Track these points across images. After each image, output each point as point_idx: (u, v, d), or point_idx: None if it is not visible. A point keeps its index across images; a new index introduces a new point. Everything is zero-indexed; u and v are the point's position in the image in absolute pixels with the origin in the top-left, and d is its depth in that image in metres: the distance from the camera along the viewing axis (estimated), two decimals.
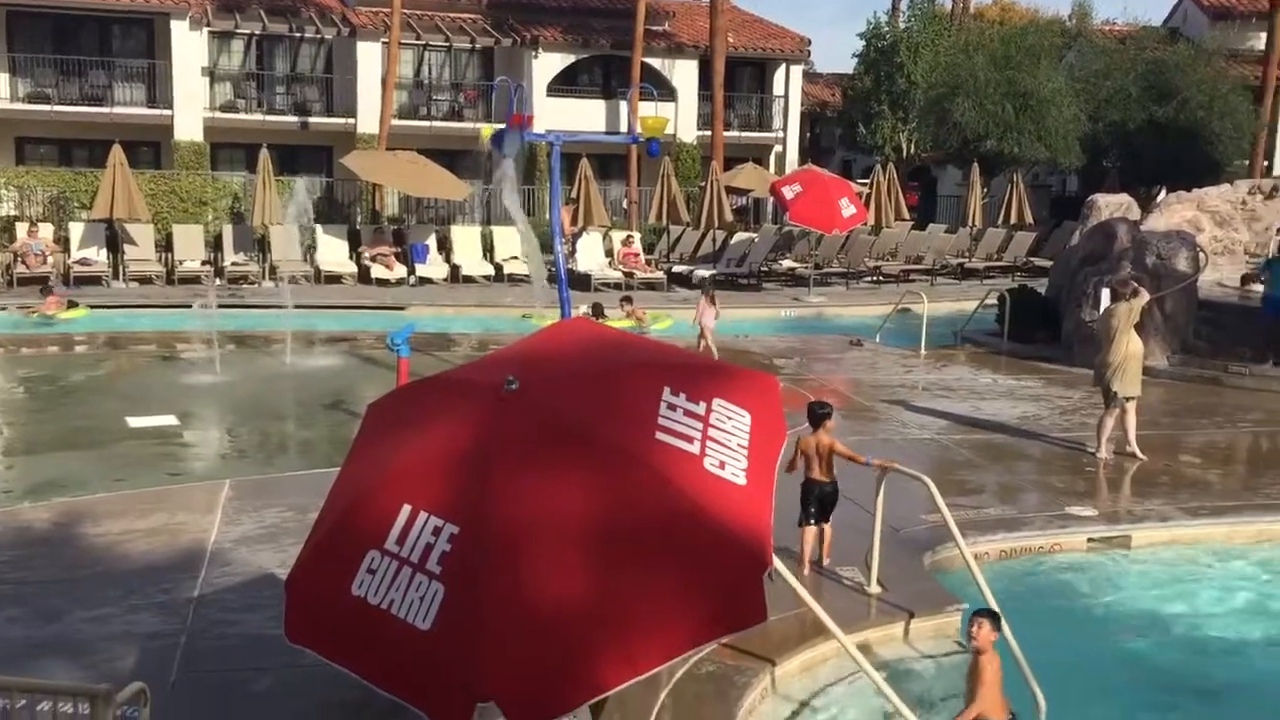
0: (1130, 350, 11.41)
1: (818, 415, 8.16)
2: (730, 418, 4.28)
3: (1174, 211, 19.57)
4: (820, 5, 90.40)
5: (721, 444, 4.16)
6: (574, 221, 24.11)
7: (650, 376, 4.34)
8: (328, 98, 31.27)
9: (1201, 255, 16.75)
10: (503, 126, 12.83)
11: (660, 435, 4.09)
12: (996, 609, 6.71)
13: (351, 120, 30.19)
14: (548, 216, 28.76)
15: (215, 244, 24.06)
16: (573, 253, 24.04)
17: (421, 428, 4.35)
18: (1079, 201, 29.76)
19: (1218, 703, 7.37)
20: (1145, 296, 11.92)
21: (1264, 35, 32.41)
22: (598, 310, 19.11)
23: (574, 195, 24.27)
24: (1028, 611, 7.86)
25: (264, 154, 23.36)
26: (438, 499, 4.04)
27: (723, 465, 4.10)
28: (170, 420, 12.45)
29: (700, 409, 4.24)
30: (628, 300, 19.82)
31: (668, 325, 19.69)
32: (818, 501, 8.00)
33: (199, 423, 13.06)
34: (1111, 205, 19.05)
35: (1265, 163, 31.75)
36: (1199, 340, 16.39)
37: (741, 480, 4.09)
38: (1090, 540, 9.28)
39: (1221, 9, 35.84)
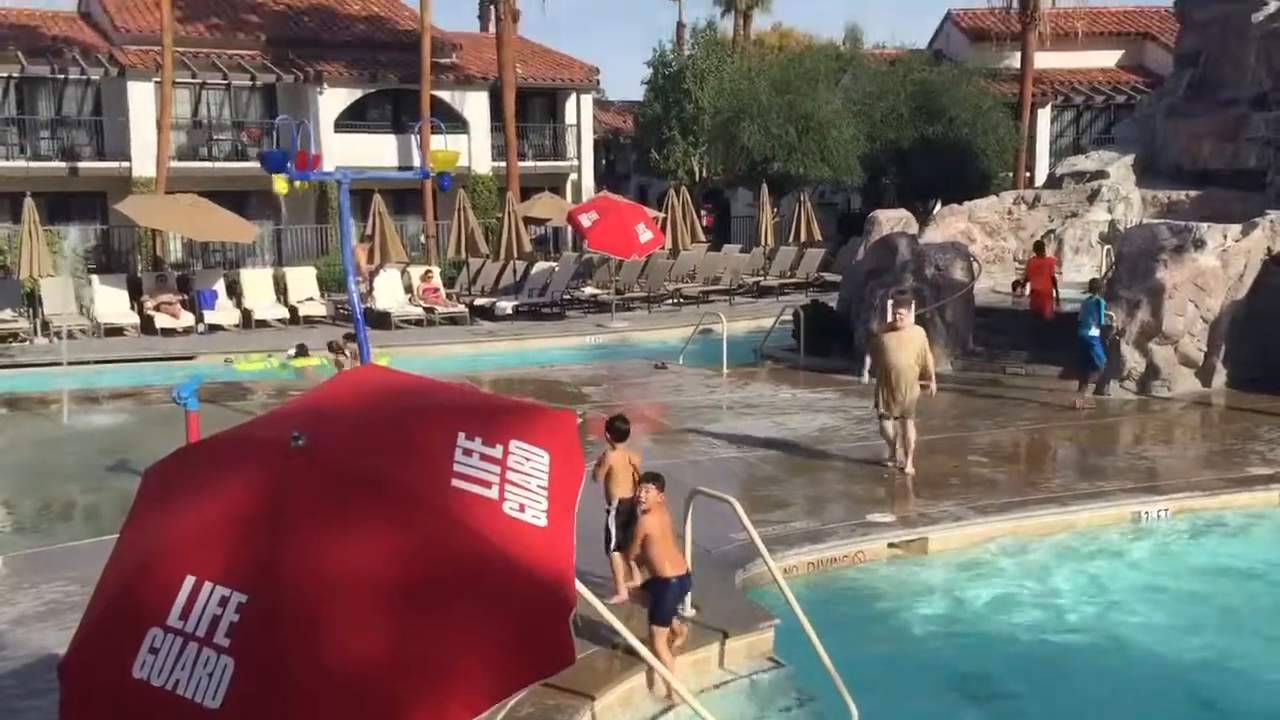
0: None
1: (621, 431, 8.10)
2: (529, 459, 4.21)
3: (948, 224, 20.64)
4: (608, 34, 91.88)
5: (521, 486, 4.09)
6: (370, 259, 23.57)
7: (443, 422, 4.23)
8: (98, 141, 29.73)
9: (975, 264, 17.73)
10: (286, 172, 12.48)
11: (456, 482, 3.99)
12: (804, 620, 6.89)
13: (126, 164, 28.77)
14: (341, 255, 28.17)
15: None
16: (370, 291, 23.50)
17: (203, 492, 4.11)
18: (863, 217, 31.10)
19: (1018, 694, 7.74)
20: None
21: (1019, 55, 34.70)
22: (301, 351, 18.95)
23: (369, 232, 23.75)
24: (837, 621, 8.09)
25: (28, 202, 21.90)
26: (223, 567, 3.82)
27: (523, 508, 4.03)
28: None
29: (497, 452, 4.16)
30: (350, 339, 18.99)
31: (386, 363, 19.04)
32: (630, 519, 7.64)
33: None
34: (891, 220, 19.95)
35: (1027, 174, 33.91)
36: (978, 345, 17.30)
37: (542, 522, 4.03)
38: (891, 545, 9.63)
39: (979, 31, 38.19)
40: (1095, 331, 14.46)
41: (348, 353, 18.27)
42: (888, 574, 9.41)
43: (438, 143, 27.90)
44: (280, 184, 12.83)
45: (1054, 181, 22.36)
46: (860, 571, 9.42)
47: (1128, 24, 39.35)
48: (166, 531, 4.09)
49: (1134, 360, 15.20)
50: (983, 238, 20.80)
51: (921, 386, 11.55)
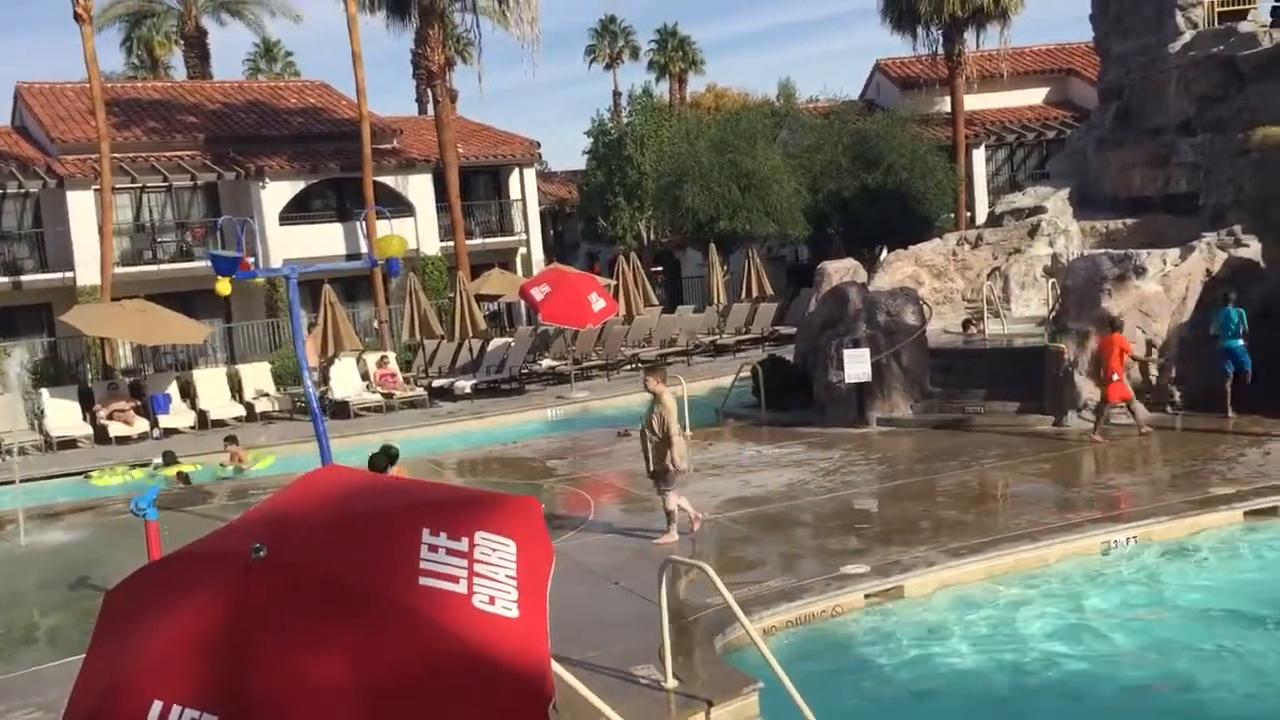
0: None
1: (382, 464, 8.42)
2: (495, 549, 4.19)
3: (895, 269, 20.92)
4: (545, 107, 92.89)
5: (489, 578, 4.06)
6: (322, 351, 23.43)
7: (406, 520, 4.20)
8: (40, 253, 29.49)
9: (925, 307, 17.94)
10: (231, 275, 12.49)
11: (424, 580, 3.96)
12: (786, 680, 6.84)
13: (69, 274, 28.55)
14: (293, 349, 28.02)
15: None
16: (323, 382, 23.35)
17: (166, 611, 4.04)
18: (811, 268, 31.46)
19: None
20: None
21: (949, 99, 35.49)
22: (169, 458, 18.86)
23: (315, 322, 23.61)
24: (820, 677, 8.05)
25: None
26: (190, 688, 3.75)
27: (493, 600, 4.00)
28: None
29: (463, 545, 4.13)
30: (232, 440, 18.91)
31: (269, 463, 18.79)
32: None
33: None
34: (840, 270, 20.17)
35: (968, 214, 34.53)
36: (935, 386, 17.45)
37: (514, 612, 4.00)
38: (867, 596, 9.61)
39: (908, 79, 39.03)
40: (1240, 342, 14.67)
41: (229, 454, 18.21)
42: (866, 624, 9.37)
43: (384, 228, 27.92)
44: (223, 285, 12.87)
45: (995, 220, 22.76)
46: (839, 624, 9.38)
47: (1050, 62, 40.39)
48: (131, 654, 4.01)
49: (1089, 390, 15.37)
50: (930, 280, 21.09)
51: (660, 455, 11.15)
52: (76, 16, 25.26)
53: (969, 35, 34.51)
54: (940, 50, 34.65)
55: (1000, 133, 37.40)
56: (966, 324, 18.91)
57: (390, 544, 4.08)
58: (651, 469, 11.47)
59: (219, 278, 12.54)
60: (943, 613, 9.49)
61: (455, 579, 4.00)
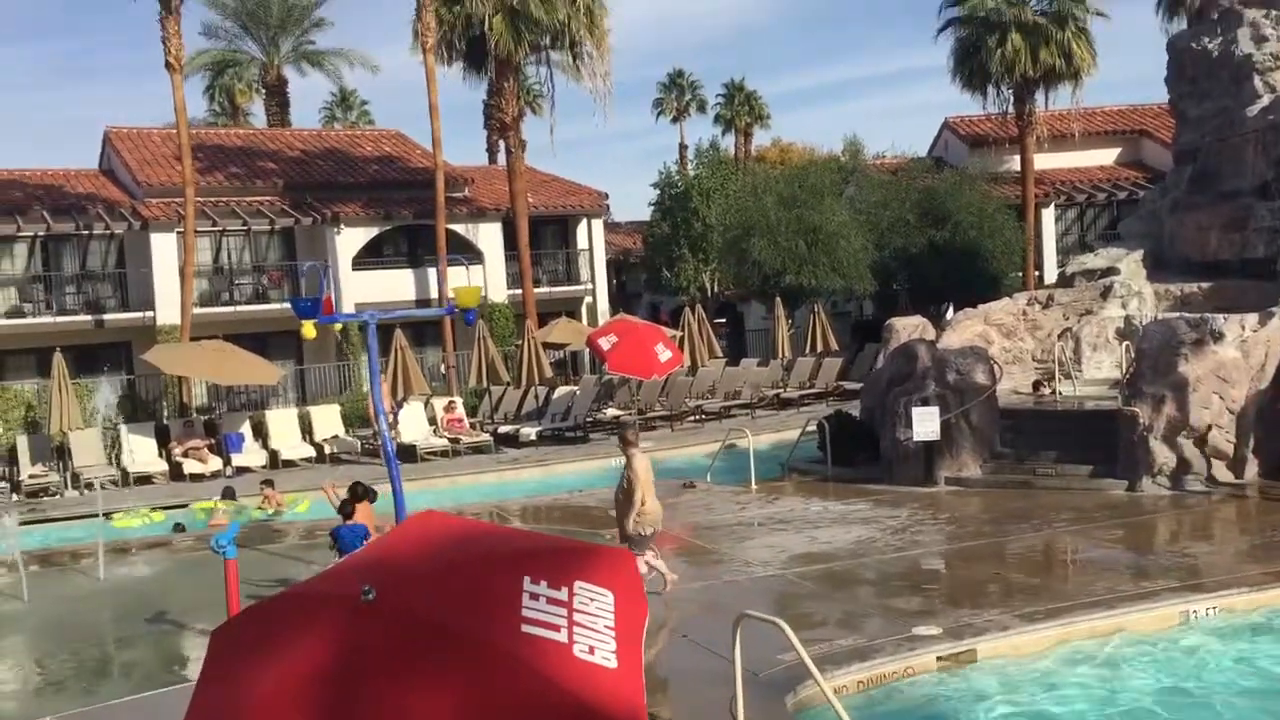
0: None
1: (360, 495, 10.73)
2: (594, 599, 4.28)
3: (964, 328, 20.80)
4: (611, 158, 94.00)
5: (588, 628, 4.15)
6: (394, 394, 23.82)
7: (509, 567, 4.31)
8: (122, 293, 30.33)
9: (996, 367, 17.83)
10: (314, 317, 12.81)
11: (526, 627, 4.06)
12: None
13: (150, 313, 29.32)
14: (366, 390, 28.46)
15: (9, 457, 22.70)
16: (394, 424, 23.66)
17: (276, 652, 4.17)
18: (876, 324, 31.35)
19: None
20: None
21: (1018, 157, 35.41)
22: (228, 494, 19.02)
23: (390, 367, 24.00)
24: None
25: (57, 357, 22.35)
26: None
27: (592, 650, 4.08)
28: None
29: (563, 594, 4.23)
30: (268, 484, 19.05)
31: (306, 507, 18.84)
32: None
33: (6, 656, 12.06)
34: (908, 327, 20.13)
35: (1036, 273, 34.29)
36: (1005, 447, 17.29)
37: (613, 663, 4.08)
38: (939, 659, 9.53)
39: (977, 137, 39.01)
40: None
41: (264, 497, 18.39)
42: (939, 687, 9.29)
43: (455, 274, 28.47)
44: (309, 329, 13.14)
45: (1065, 280, 22.58)
46: (911, 685, 9.31)
47: (1122, 123, 40.18)
48: (240, 694, 4.14)
49: (1164, 456, 15.17)
50: (1000, 339, 20.93)
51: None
52: (168, 65, 26.17)
53: (1040, 95, 34.47)
54: (1011, 109, 34.63)
55: (1070, 192, 37.19)
56: (1037, 385, 18.72)
57: (494, 591, 4.19)
58: (620, 530, 11.38)
59: (302, 321, 12.82)
60: (1016, 678, 9.38)
61: (557, 627, 4.10)
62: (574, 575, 4.35)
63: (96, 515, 16.39)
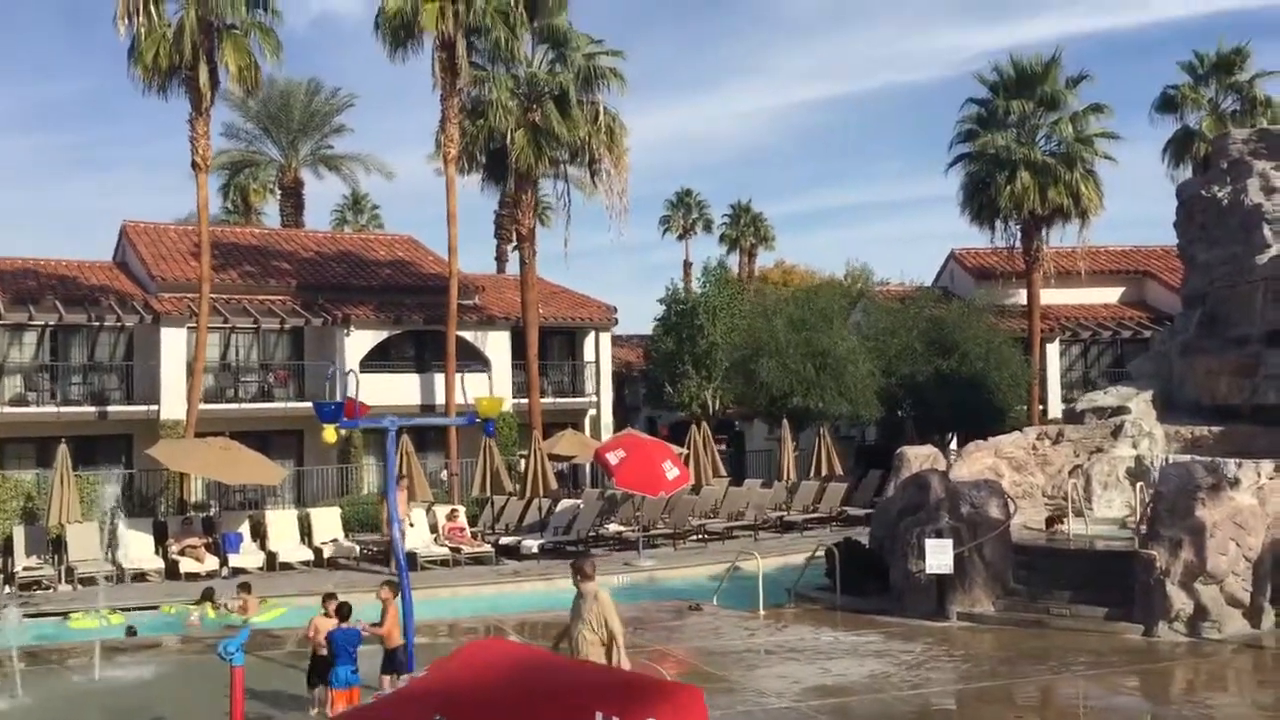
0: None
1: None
2: None
3: (975, 459, 20.78)
4: (612, 270, 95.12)
5: None
6: (411, 498, 23.63)
7: (581, 702, 4.22)
8: (128, 385, 30.26)
9: (1010, 502, 17.74)
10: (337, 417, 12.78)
11: None
12: None
13: (154, 407, 29.19)
14: (366, 494, 28.16)
15: (4, 548, 22.36)
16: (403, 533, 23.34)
17: None
18: (880, 449, 31.35)
19: None
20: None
21: (1024, 291, 35.82)
22: (207, 595, 18.84)
23: (404, 474, 23.79)
24: None
25: (62, 450, 22.18)
26: None
27: None
28: None
29: None
30: (244, 588, 18.82)
31: (279, 614, 18.51)
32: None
33: None
34: (920, 457, 20.11)
35: (1040, 407, 34.40)
36: (1018, 584, 17.10)
37: None
38: None
39: (983, 269, 39.55)
40: None
41: (241, 602, 18.10)
42: None
43: (461, 382, 28.45)
44: (330, 434, 13.11)
45: (1075, 416, 22.65)
46: None
47: (1127, 263, 40.79)
48: None
49: (1181, 601, 15.00)
50: (1010, 473, 20.89)
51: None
52: (194, 165, 26.61)
53: (1046, 232, 35.04)
54: (1018, 245, 35.15)
55: (1075, 329, 37.55)
56: (1050, 521, 18.62)
57: None
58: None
59: (325, 426, 12.80)
60: None
61: None
62: (647, 711, 4.26)
63: (97, 609, 16.06)
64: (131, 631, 17.34)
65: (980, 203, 34.69)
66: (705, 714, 4.49)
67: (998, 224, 34.90)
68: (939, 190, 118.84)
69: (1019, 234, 34.97)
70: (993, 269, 38.61)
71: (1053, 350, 37.18)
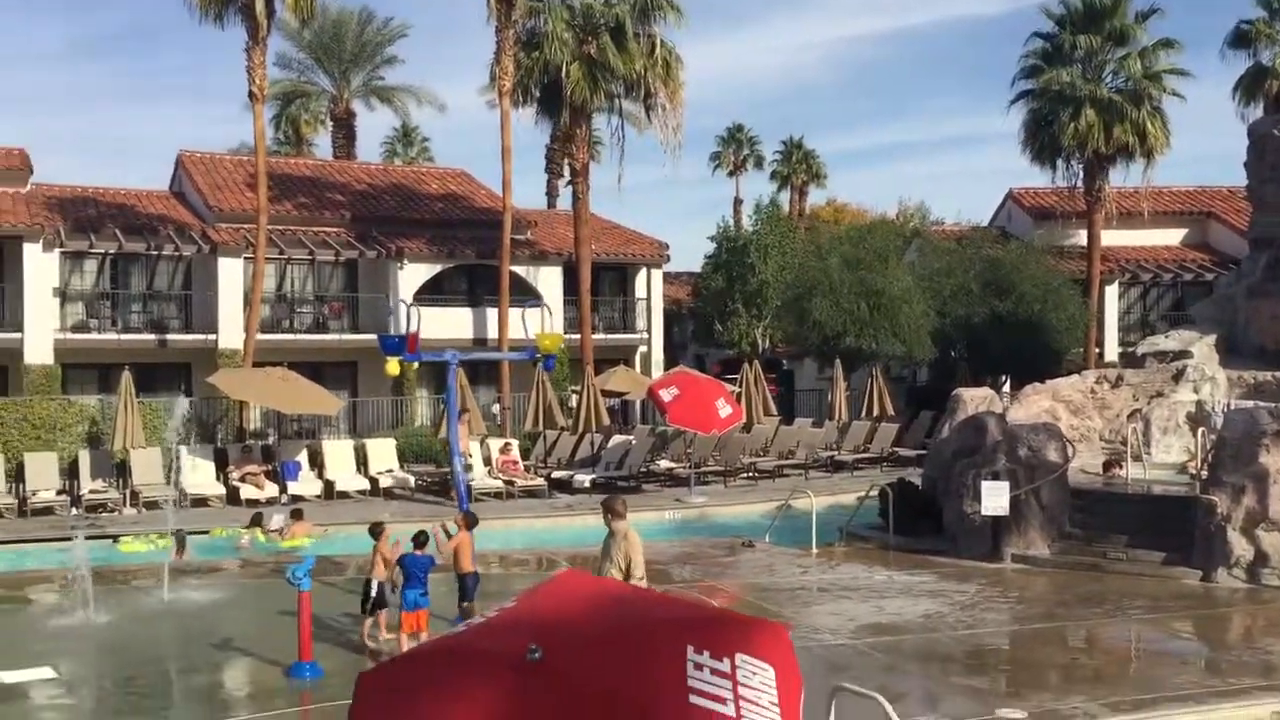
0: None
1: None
2: (755, 673, 4.21)
3: (1032, 402, 20.60)
4: (662, 206, 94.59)
5: (754, 703, 4.08)
6: (471, 432, 23.83)
7: (672, 635, 4.25)
8: (186, 314, 30.73)
9: (1069, 446, 17.59)
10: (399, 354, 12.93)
11: (694, 698, 3.99)
12: None
13: (212, 336, 29.64)
14: (419, 425, 28.46)
15: (70, 471, 22.91)
16: (469, 466, 23.53)
17: (435, 704, 4.12)
18: (932, 391, 31.11)
19: None
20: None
21: (1083, 232, 35.21)
22: (256, 520, 19.49)
23: (467, 408, 23.91)
24: None
25: (125, 376, 22.59)
26: None
27: None
28: (46, 673, 11.48)
29: (726, 666, 4.16)
30: (297, 515, 19.42)
31: (315, 540, 18.86)
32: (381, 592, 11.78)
33: (80, 675, 12.04)
34: (976, 399, 19.95)
35: (1097, 350, 33.96)
36: (1074, 527, 17.01)
37: None
38: None
39: (1042, 210, 38.90)
40: None
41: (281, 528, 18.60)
42: None
43: (515, 316, 28.59)
44: (393, 366, 13.29)
45: (1135, 360, 22.35)
46: None
47: (1190, 203, 39.92)
48: None
49: (1241, 547, 14.86)
50: (1067, 416, 20.70)
51: None
52: (251, 95, 26.72)
53: (1110, 171, 34.33)
54: (1080, 184, 34.48)
55: (1135, 271, 36.93)
56: (1107, 465, 18.45)
57: (659, 658, 4.13)
58: None
59: (388, 358, 12.94)
60: None
61: (723, 700, 4.04)
62: (735, 647, 4.29)
63: (165, 533, 16.43)
64: (181, 541, 17.61)
65: (1042, 141, 34.02)
66: (791, 650, 4.53)
67: (1059, 163, 34.25)
68: (996, 128, 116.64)
69: (1081, 173, 34.29)
70: (1051, 209, 37.96)
71: (1111, 292, 36.61)
